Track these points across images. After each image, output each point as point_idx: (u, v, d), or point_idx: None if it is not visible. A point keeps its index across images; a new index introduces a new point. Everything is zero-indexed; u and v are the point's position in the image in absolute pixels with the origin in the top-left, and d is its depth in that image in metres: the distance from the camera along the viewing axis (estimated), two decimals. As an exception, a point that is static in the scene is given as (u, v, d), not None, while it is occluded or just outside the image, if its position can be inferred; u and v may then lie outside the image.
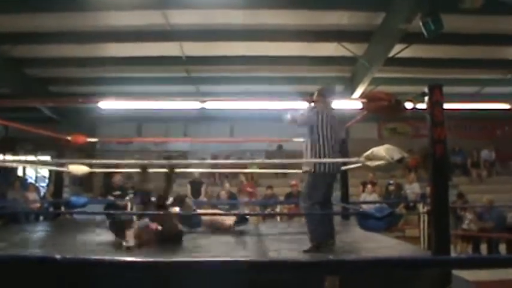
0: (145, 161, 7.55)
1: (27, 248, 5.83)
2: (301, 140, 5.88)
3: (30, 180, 17.58)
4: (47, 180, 17.88)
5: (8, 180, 14.31)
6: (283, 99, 14.45)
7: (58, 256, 2.52)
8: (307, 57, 12.71)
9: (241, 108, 14.80)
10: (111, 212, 7.07)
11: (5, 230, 8.75)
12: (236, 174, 15.42)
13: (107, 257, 3.72)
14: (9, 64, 12.93)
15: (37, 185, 16.64)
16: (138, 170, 7.28)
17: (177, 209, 7.04)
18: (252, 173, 15.47)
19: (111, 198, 12.02)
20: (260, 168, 15.65)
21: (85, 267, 2.80)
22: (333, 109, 5.79)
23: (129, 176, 13.36)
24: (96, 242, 6.02)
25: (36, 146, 16.51)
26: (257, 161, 15.05)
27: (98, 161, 5.87)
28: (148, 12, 10.30)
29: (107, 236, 6.10)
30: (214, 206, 12.25)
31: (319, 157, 5.44)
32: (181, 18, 10.62)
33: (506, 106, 13.30)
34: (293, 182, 13.49)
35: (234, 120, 17.32)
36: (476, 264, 3.13)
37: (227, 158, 16.42)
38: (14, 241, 6.21)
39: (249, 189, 14.70)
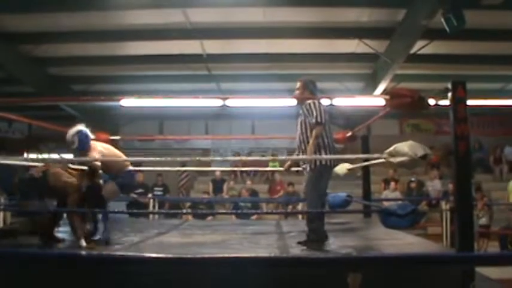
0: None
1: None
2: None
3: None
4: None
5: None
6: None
7: (84, 252, 2.55)
8: (327, 55, 12.69)
9: (263, 105, 14.81)
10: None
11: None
12: (257, 171, 15.49)
13: (131, 253, 3.75)
14: (32, 63, 13.11)
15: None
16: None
17: None
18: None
19: (133, 195, 12.13)
20: (282, 165, 15.70)
21: (110, 264, 2.83)
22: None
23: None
24: (119, 239, 6.04)
25: (59, 144, 16.66)
26: (280, 157, 15.05)
27: (127, 158, 5.86)
28: (168, 10, 10.34)
29: (129, 233, 6.14)
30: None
31: (321, 153, 5.57)
32: (201, 16, 10.64)
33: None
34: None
35: (255, 117, 17.33)
36: (501, 261, 3.11)
37: (249, 155, 16.51)
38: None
39: (278, 187, 14.72)
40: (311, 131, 5.60)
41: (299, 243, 5.48)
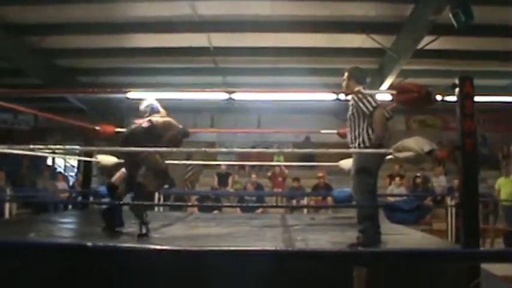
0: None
1: (56, 236, 5.87)
2: (329, 131, 5.76)
3: (59, 169, 17.79)
4: (75, 170, 18.10)
5: (38, 170, 14.51)
6: (310, 90, 14.42)
7: (89, 243, 2.55)
8: (335, 49, 12.69)
9: (269, 99, 14.79)
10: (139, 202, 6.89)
11: (34, 218, 8.88)
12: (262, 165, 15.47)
13: (137, 245, 3.75)
14: (39, 55, 13.14)
15: (66, 174, 16.85)
16: None
17: None
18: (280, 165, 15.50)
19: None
20: (287, 159, 15.67)
21: (116, 256, 2.83)
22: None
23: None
24: (124, 231, 6.04)
25: (65, 136, 16.71)
26: (286, 150, 15.02)
27: (125, 149, 5.78)
28: (176, 3, 10.35)
29: (134, 225, 6.13)
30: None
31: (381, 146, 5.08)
32: (209, 9, 10.65)
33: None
34: (320, 174, 13.45)
35: (261, 111, 17.28)
36: (507, 258, 3.10)
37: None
38: (43, 230, 6.27)
39: (280, 179, 14.67)
40: (364, 121, 5.11)
41: (350, 246, 5.01)
